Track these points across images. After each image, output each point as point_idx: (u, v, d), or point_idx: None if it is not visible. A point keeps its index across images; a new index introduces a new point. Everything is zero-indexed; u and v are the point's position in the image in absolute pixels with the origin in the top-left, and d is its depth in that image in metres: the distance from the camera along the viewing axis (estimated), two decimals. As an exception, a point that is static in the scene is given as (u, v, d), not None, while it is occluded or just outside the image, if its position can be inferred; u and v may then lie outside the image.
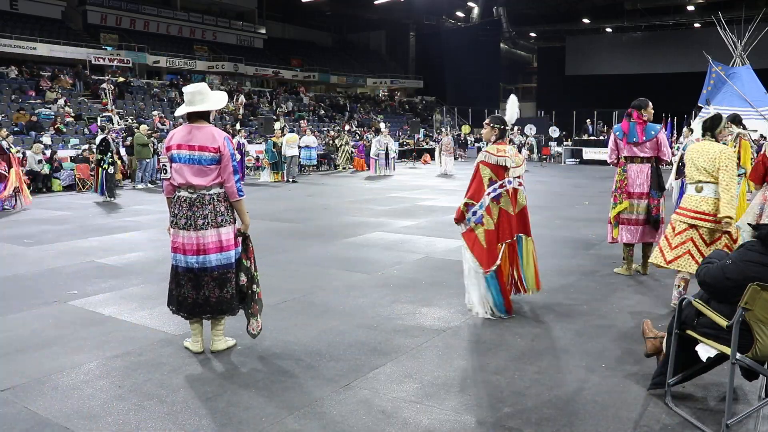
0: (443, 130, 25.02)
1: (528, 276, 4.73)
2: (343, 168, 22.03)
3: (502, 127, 4.69)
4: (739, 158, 6.55)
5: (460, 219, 4.64)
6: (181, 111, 3.86)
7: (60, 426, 2.98)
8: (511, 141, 4.88)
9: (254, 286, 3.92)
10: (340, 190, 14.92)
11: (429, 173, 19.96)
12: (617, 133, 5.81)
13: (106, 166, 12.63)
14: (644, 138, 5.66)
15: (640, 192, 5.71)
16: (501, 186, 4.54)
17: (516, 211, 4.63)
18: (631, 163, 5.73)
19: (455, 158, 22.25)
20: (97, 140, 12.82)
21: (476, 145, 27.93)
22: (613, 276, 5.88)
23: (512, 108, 4.76)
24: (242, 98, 28.44)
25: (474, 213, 4.55)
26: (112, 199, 12.65)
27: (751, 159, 6.70)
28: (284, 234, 8.40)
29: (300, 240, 7.92)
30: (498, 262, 4.55)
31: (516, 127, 20.28)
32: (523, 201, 4.70)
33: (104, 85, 22.44)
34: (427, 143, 29.02)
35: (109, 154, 12.77)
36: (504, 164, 4.54)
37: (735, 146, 6.60)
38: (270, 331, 4.24)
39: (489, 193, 4.54)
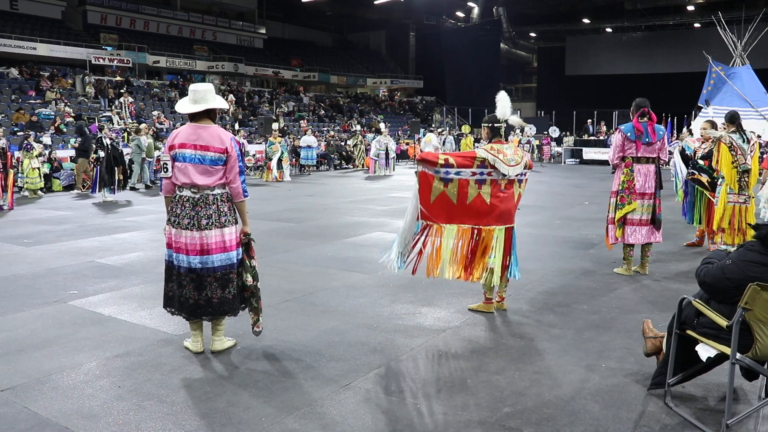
0: (440, 129, 24.93)
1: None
2: (361, 166, 22.30)
3: (492, 124, 4.61)
4: (717, 162, 6.42)
5: (426, 160, 4.38)
6: (187, 109, 3.77)
7: (60, 426, 2.98)
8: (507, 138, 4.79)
9: (258, 284, 3.94)
10: (340, 190, 14.91)
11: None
12: (628, 134, 5.68)
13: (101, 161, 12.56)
14: (656, 138, 5.66)
15: (648, 192, 5.72)
16: (489, 174, 4.43)
17: (514, 200, 4.57)
18: (638, 163, 5.71)
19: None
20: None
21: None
22: (613, 276, 5.88)
23: (502, 102, 4.62)
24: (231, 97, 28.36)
25: (447, 173, 4.38)
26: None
27: (756, 157, 6.65)
28: (284, 234, 8.40)
29: (300, 240, 7.92)
30: (431, 225, 4.52)
31: (519, 130, 20.06)
32: (517, 191, 4.60)
33: (122, 99, 22.34)
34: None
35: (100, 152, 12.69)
36: (493, 164, 4.41)
37: (713, 147, 6.48)
38: (270, 331, 4.24)
39: (474, 173, 4.41)
